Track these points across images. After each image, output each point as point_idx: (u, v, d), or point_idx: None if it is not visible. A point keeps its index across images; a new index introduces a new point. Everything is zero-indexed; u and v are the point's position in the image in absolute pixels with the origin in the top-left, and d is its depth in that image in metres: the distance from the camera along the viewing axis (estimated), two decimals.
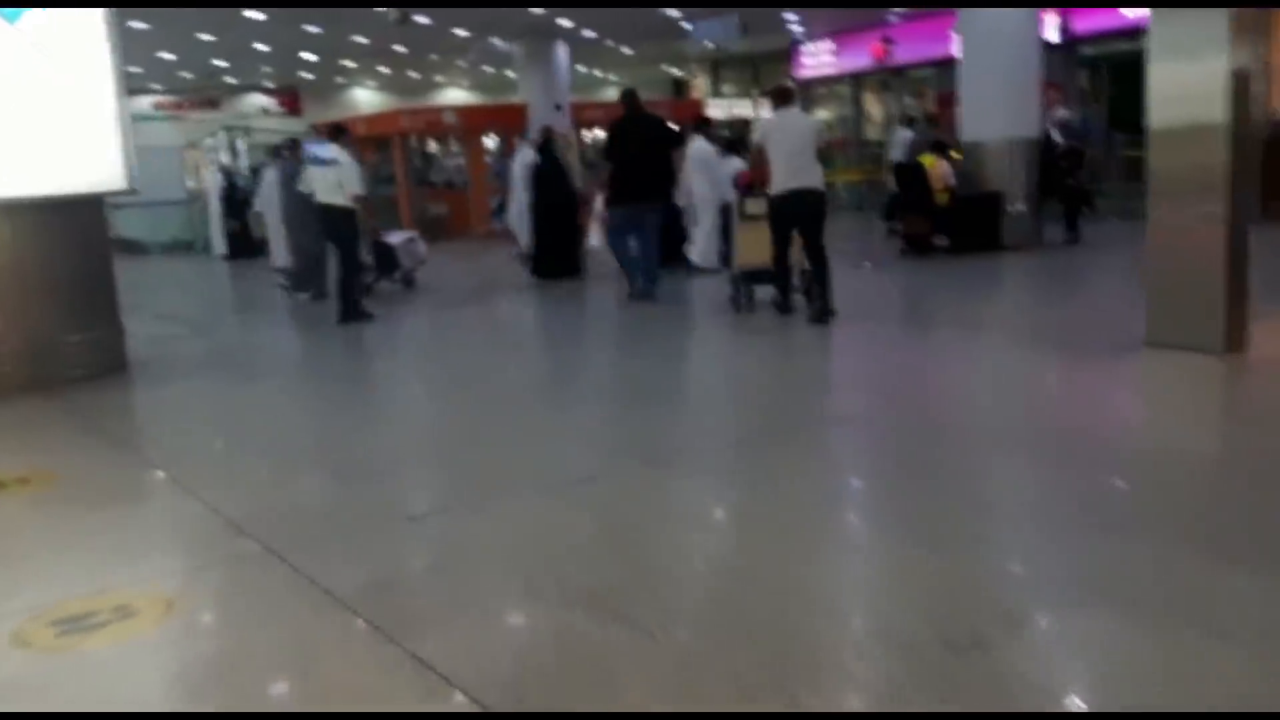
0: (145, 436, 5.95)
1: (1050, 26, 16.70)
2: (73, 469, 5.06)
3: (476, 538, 3.84)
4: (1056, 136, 12.83)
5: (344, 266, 9.50)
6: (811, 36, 23.59)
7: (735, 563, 3.55)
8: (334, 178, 9.20)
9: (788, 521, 3.85)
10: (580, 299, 10.63)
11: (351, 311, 9.39)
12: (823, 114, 24.49)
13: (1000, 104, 12.30)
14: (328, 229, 9.54)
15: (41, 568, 3.78)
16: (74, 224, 7.42)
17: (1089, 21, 18.32)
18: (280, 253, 15.12)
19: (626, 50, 24.61)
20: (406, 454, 5.21)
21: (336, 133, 9.65)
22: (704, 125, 12.04)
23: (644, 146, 9.81)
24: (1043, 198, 12.54)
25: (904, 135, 15.51)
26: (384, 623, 3.09)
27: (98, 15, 7.28)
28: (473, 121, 20.99)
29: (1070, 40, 18.42)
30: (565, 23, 19.09)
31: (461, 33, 19.76)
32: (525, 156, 14.23)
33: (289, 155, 11.90)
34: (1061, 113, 13.63)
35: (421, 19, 17.31)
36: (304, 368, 8.28)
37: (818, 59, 24.50)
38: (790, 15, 20.24)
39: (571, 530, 3.89)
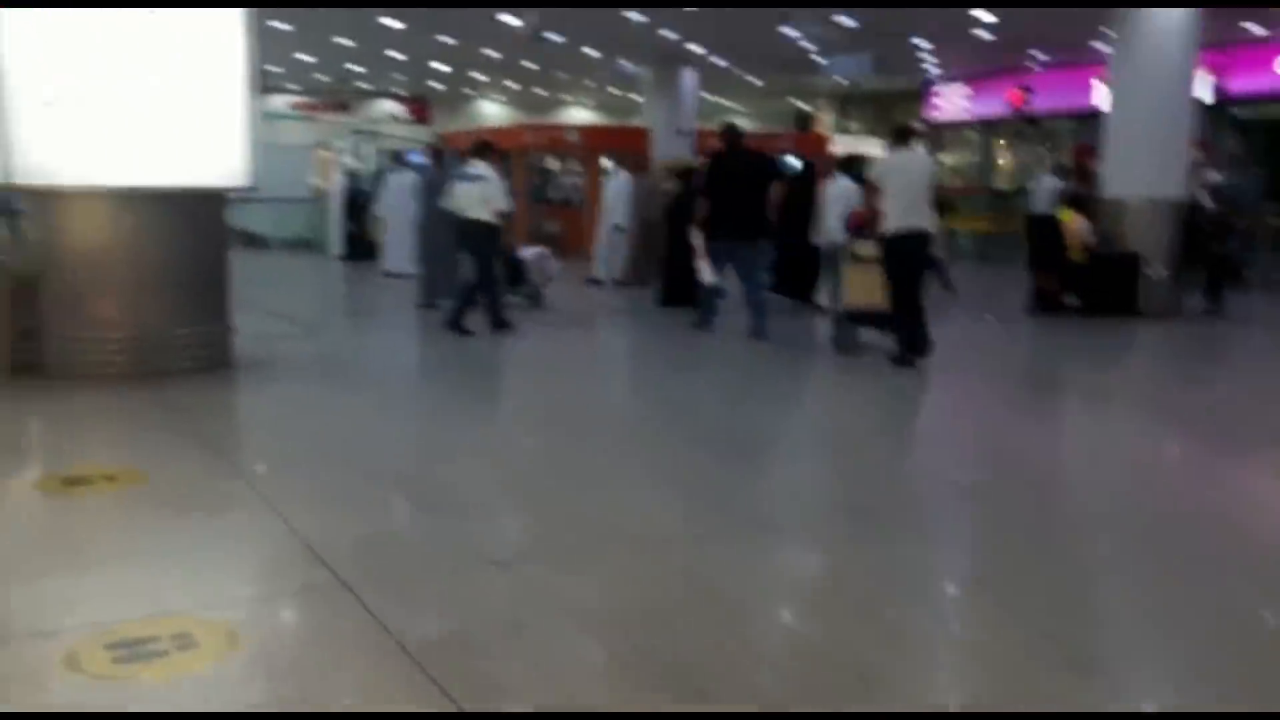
0: (239, 441, 5.85)
1: (1203, 85, 15.87)
2: (161, 469, 4.95)
3: (561, 594, 3.56)
4: (1205, 200, 12.10)
5: (480, 280, 9.52)
6: (946, 78, 22.99)
7: (844, 656, 3.19)
8: (479, 193, 9.31)
9: (909, 615, 3.48)
10: (689, 331, 10.34)
11: (499, 322, 9.51)
12: (950, 159, 23.85)
13: (1146, 161, 11.65)
14: (468, 243, 9.56)
15: (110, 579, 3.64)
16: (194, 217, 7.43)
17: (1244, 82, 17.41)
18: (395, 258, 15.28)
19: (754, 80, 24.37)
20: (499, 487, 4.97)
21: (483, 149, 9.74)
22: (852, 163, 11.40)
23: (741, 182, 9.67)
24: (1186, 264, 11.82)
25: (1050, 183, 14.80)
26: (452, 686, 2.82)
27: (235, 10, 7.31)
28: (594, 142, 20.94)
29: (1223, 101, 17.51)
30: (696, 49, 18.94)
31: (592, 53, 19.78)
32: (620, 183, 14.12)
33: (434, 165, 11.87)
34: (1212, 176, 12.87)
35: (554, 36, 17.34)
36: (408, 380, 8.16)
37: (950, 102, 23.89)
38: (926, 54, 19.73)
39: (664, 596, 3.59)
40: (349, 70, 23.24)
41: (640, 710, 2.77)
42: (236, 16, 7.32)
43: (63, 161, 6.90)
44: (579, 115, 30.22)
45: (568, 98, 29.67)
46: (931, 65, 21.25)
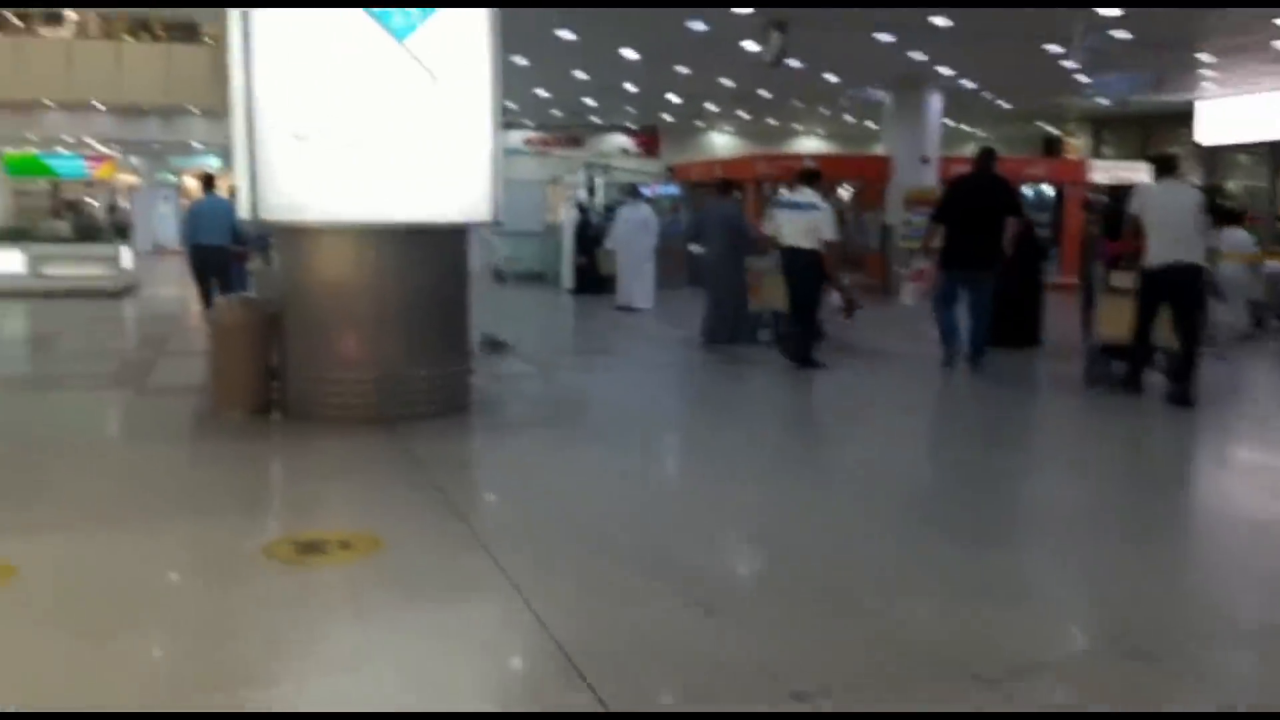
0: (481, 502, 5.29)
1: None
2: (398, 535, 4.44)
3: None
4: None
5: (801, 312, 9.39)
6: (1222, 95, 20.68)
7: None
8: (806, 221, 9.14)
9: None
10: (939, 369, 9.25)
11: (803, 357, 9.27)
12: (1227, 184, 21.46)
13: None
14: (791, 273, 9.40)
15: (330, 686, 3.07)
16: (437, 253, 7.07)
17: None
18: (627, 292, 14.86)
19: (1003, 104, 22.80)
20: (790, 578, 4.15)
21: (810, 177, 9.58)
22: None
23: (978, 210, 9.16)
24: None
25: None
26: None
27: (484, 44, 6.92)
28: (832, 171, 20.04)
29: None
30: (945, 70, 17.74)
31: (832, 78, 18.91)
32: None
33: (722, 197, 11.31)
34: None
35: (794, 62, 16.58)
36: (665, 429, 7.37)
37: (1224, 123, 21.47)
38: (1208, 69, 17.71)
39: None
40: (583, 104, 23.28)
41: None
42: (485, 45, 6.93)
43: (309, 197, 6.67)
44: (810, 145, 29.33)
45: (799, 127, 28.84)
46: (1211, 82, 19.12)
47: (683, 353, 10.68)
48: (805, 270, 9.26)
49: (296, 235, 6.96)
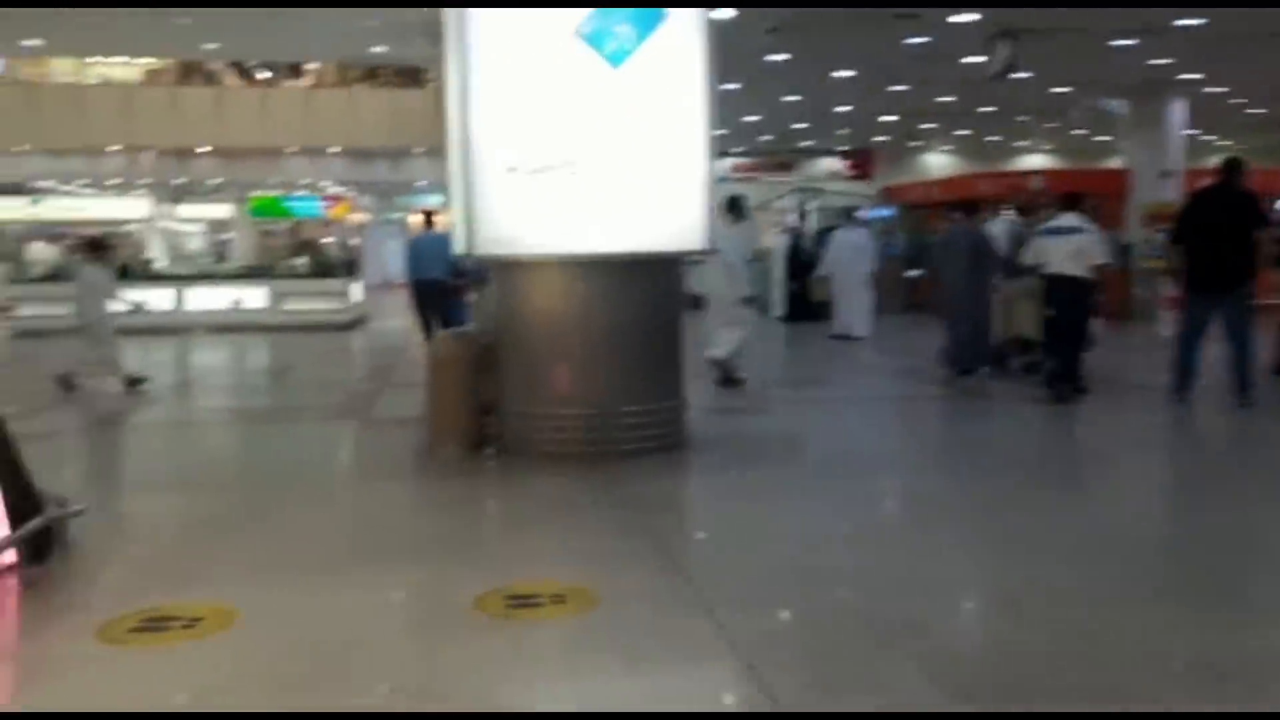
0: (701, 553, 4.91)
1: None
2: (614, 590, 4.15)
3: None
4: None
5: (1065, 342, 8.90)
6: None
7: None
8: (1073, 246, 8.76)
9: None
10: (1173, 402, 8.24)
11: (1065, 388, 8.70)
12: None
13: None
14: (1057, 300, 8.93)
15: None
16: (650, 285, 6.84)
17: None
18: (844, 319, 14.29)
19: (1257, 111, 20.82)
20: (1049, 664, 3.60)
21: (1074, 201, 9.20)
22: None
23: (1221, 226, 8.29)
24: None
25: None
26: None
27: (698, 68, 6.66)
28: (1063, 187, 18.75)
29: None
30: (1189, 76, 16.30)
31: (1062, 89, 17.73)
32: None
33: (967, 217, 10.62)
34: None
35: (1021, 74, 15.61)
36: (899, 471, 6.75)
37: None
38: None
39: None
40: (793, 128, 22.84)
41: None
42: (699, 70, 6.66)
43: (522, 230, 6.57)
44: (1033, 161, 27.74)
45: (1022, 142, 27.35)
46: None
47: (912, 384, 10.08)
48: (1072, 297, 8.80)
49: (509, 269, 6.88)
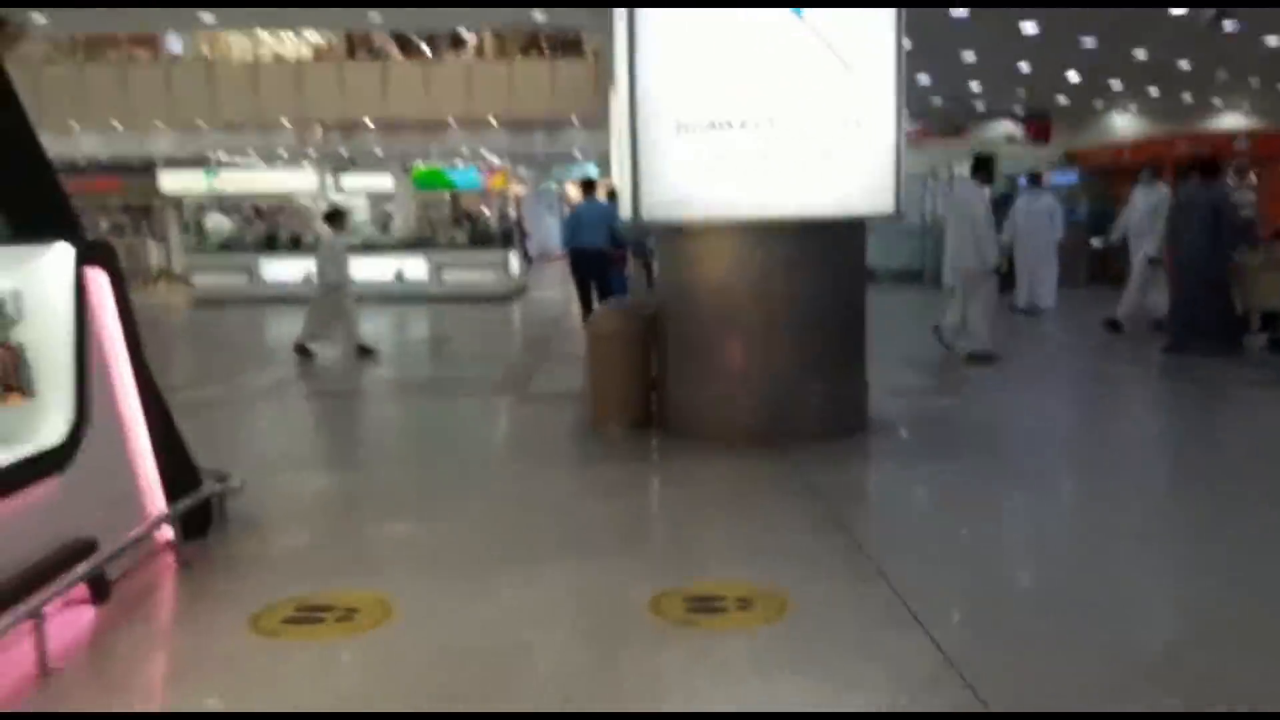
0: (899, 551, 4.33)
1: None
2: (805, 594, 3.66)
3: None
4: None
5: None
6: None
7: None
8: None
9: None
10: None
11: None
12: None
13: None
14: None
15: None
16: (833, 253, 6.26)
17: None
18: (1029, 291, 13.30)
19: None
20: None
21: None
22: None
23: None
24: None
25: None
26: None
27: (886, 17, 6.02)
28: (1272, 149, 17.12)
29: None
30: None
31: (1274, 41, 16.07)
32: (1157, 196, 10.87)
33: (1205, 180, 9.64)
34: None
35: (1230, 24, 14.18)
36: (1114, 463, 5.96)
37: None
38: None
39: None
40: (968, 90, 21.58)
41: None
42: (889, 28, 6.03)
43: (694, 192, 6.08)
44: (1229, 122, 25.52)
45: (1218, 102, 25.18)
46: None
47: (1114, 362, 9.15)
48: None
49: (679, 235, 6.40)
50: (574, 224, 11.51)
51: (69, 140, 29.83)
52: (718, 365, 6.25)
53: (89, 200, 32.24)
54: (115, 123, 28.67)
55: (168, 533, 4.14)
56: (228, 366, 10.22)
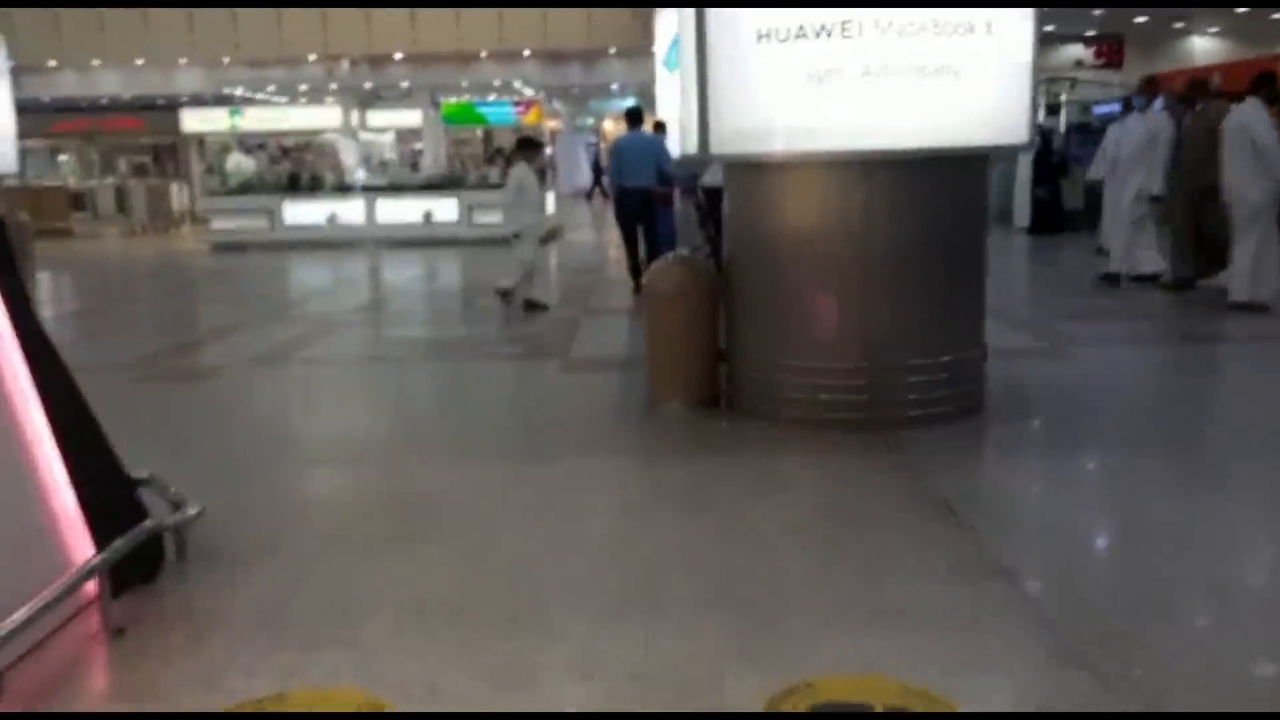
0: (1090, 617, 3.06)
1: None
2: (980, 697, 2.53)
3: None
4: None
5: None
6: None
7: None
8: None
9: None
10: None
11: None
12: None
13: None
14: None
15: None
16: (950, 193, 5.03)
17: None
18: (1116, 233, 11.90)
19: None
20: None
21: None
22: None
23: None
24: None
25: None
26: None
27: None
28: None
29: None
30: None
31: None
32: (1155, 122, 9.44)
33: None
34: None
35: None
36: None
37: None
38: None
39: None
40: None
41: None
42: None
43: (778, 121, 4.86)
44: None
45: None
46: None
47: (1244, 321, 7.83)
48: None
49: (756, 174, 5.19)
50: (619, 160, 10.26)
51: (89, 78, 28.84)
52: (802, 331, 5.08)
53: (110, 139, 31.43)
54: (137, 59, 27.59)
55: (93, 586, 3.07)
56: (229, 324, 9.17)
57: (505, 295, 9.30)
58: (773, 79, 4.81)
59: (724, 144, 5.03)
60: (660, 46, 15.07)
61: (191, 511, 3.41)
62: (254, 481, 4.45)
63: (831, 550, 3.55)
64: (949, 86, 4.70)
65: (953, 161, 4.91)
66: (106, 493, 3.19)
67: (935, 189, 4.95)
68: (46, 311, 9.57)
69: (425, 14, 25.01)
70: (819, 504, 4.02)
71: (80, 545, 3.05)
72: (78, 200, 24.88)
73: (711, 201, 10.41)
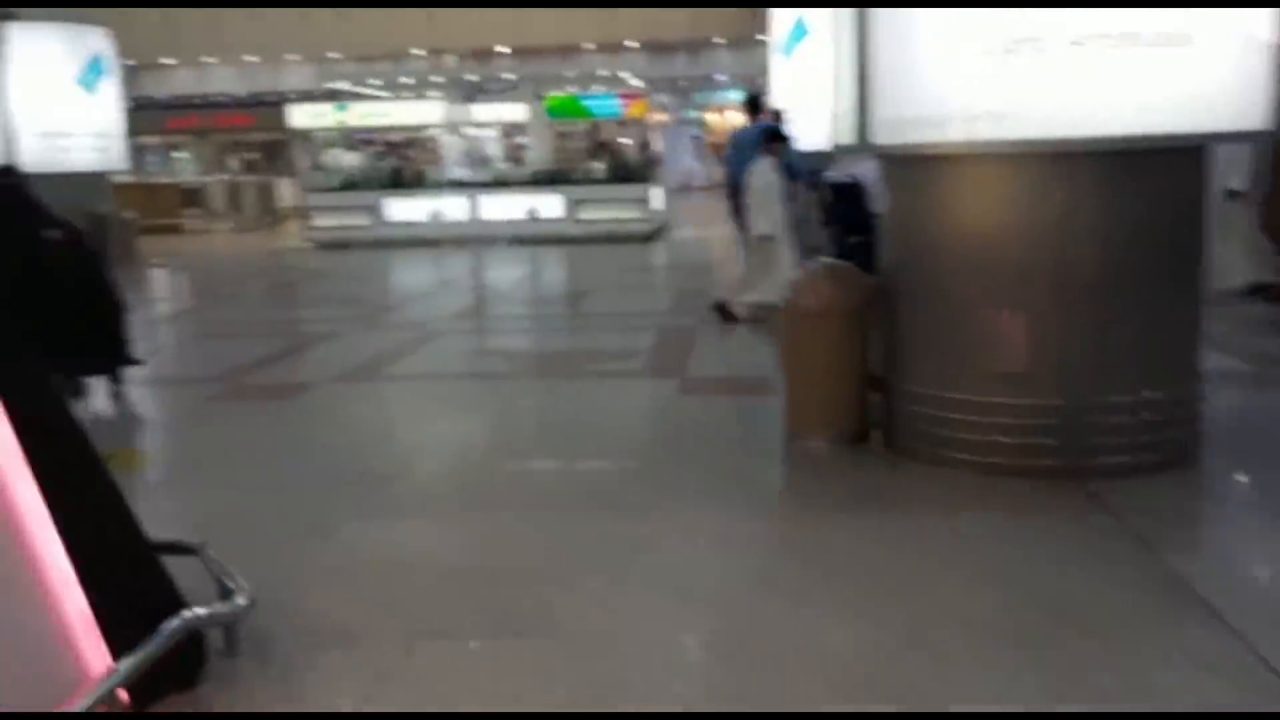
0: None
1: None
2: None
3: None
4: None
5: None
6: None
7: None
8: None
9: None
10: None
11: None
12: None
13: None
14: None
15: None
16: (1168, 192, 4.10)
17: None
18: None
19: None
20: None
21: None
22: None
23: None
24: None
25: None
26: None
27: None
28: None
29: None
30: None
31: None
32: None
33: None
34: None
35: None
36: None
37: None
38: None
39: None
40: None
41: None
42: None
43: (956, 102, 4.00)
44: None
45: None
46: None
47: None
48: None
49: (924, 168, 4.33)
50: (736, 152, 9.42)
51: (203, 75, 29.19)
52: (981, 358, 4.20)
53: (222, 136, 31.78)
54: (249, 56, 27.79)
55: (120, 694, 2.41)
56: (322, 331, 8.64)
57: (726, 311, 8.18)
58: (951, 53, 3.94)
59: (888, 133, 4.18)
60: (777, 33, 14.23)
61: (241, 602, 2.73)
62: (327, 536, 3.77)
63: (1070, 676, 2.67)
64: (1176, 61, 3.77)
65: (1174, 152, 3.98)
66: (129, 586, 2.52)
67: (1152, 186, 4.03)
68: (143, 315, 9.18)
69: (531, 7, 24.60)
70: (1030, 593, 3.13)
71: (94, 653, 2.39)
72: (190, 196, 25.08)
73: (839, 199, 9.52)
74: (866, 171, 8.55)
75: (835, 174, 9.69)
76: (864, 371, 4.64)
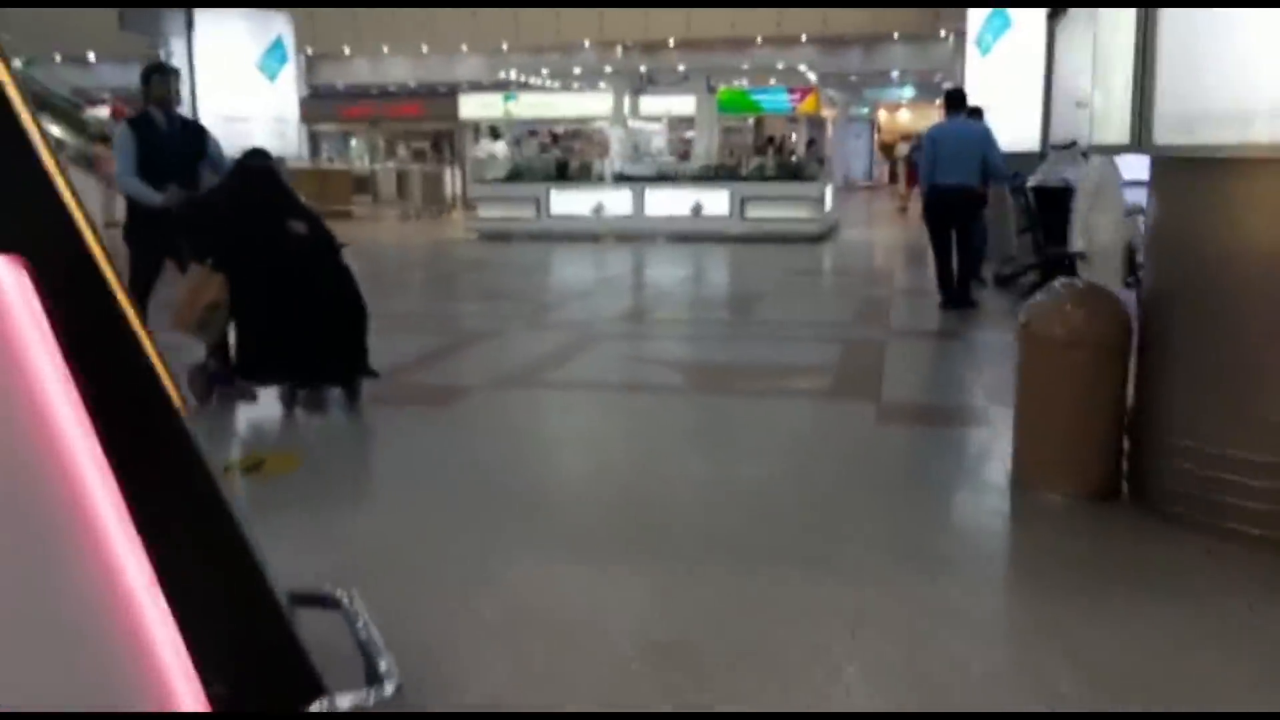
0: None
1: None
2: None
3: None
4: None
5: None
6: None
7: None
8: None
9: None
10: None
11: None
12: None
13: None
14: None
15: None
16: None
17: None
18: None
19: None
20: None
21: None
22: None
23: None
24: None
25: None
26: None
27: None
28: None
29: None
30: None
31: None
32: None
33: None
34: None
35: None
36: None
37: None
38: None
39: None
40: None
41: None
42: None
43: (1256, 99, 3.22)
44: None
45: None
46: None
47: None
48: None
49: (1209, 175, 3.54)
50: (934, 151, 8.63)
51: (379, 65, 29.80)
52: (1275, 405, 3.41)
53: (393, 125, 32.42)
54: (423, 46, 28.21)
55: None
56: (482, 329, 8.29)
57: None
58: (1265, 35, 3.16)
59: (1172, 131, 3.42)
60: (972, 27, 13.31)
61: (389, 692, 2.23)
62: (489, 581, 3.28)
63: None
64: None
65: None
66: (243, 636, 2.06)
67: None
68: None
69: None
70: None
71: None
72: (362, 183, 25.59)
73: (1044, 205, 8.63)
74: (1083, 174, 7.67)
75: (1042, 177, 8.81)
76: (1120, 416, 3.88)
